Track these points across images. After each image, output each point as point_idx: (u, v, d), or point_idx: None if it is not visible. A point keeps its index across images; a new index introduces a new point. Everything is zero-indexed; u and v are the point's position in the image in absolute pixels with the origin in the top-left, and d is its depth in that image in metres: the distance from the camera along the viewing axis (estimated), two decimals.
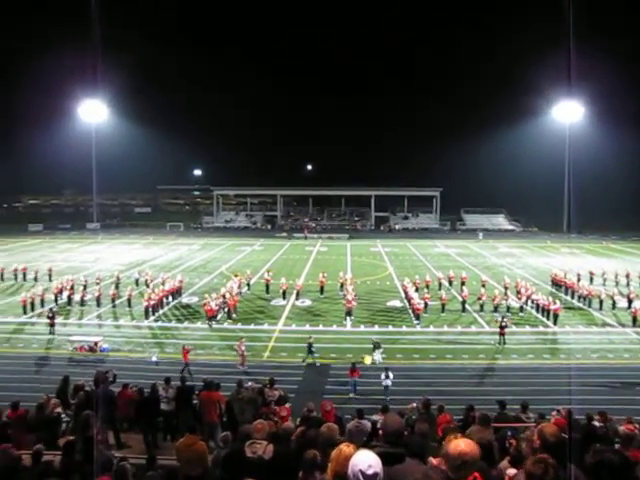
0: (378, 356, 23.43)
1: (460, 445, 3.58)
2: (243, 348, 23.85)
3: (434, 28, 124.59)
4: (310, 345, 24.03)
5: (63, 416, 12.79)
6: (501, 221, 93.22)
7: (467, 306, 33.48)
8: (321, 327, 29.99)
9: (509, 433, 8.85)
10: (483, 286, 37.11)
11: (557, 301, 31.57)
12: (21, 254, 59.04)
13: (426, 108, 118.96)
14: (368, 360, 23.23)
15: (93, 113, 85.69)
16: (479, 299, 33.56)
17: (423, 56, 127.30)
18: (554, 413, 12.81)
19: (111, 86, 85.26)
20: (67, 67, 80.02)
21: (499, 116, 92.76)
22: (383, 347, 24.39)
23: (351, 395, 20.76)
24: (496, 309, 32.71)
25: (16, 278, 42.90)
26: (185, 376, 21.45)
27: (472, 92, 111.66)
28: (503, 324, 26.80)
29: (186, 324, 30.62)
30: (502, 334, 26.71)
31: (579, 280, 39.14)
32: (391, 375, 22.04)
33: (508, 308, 32.72)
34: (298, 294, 36.59)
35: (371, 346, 24.03)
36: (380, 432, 5.67)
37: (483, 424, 8.43)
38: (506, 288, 36.75)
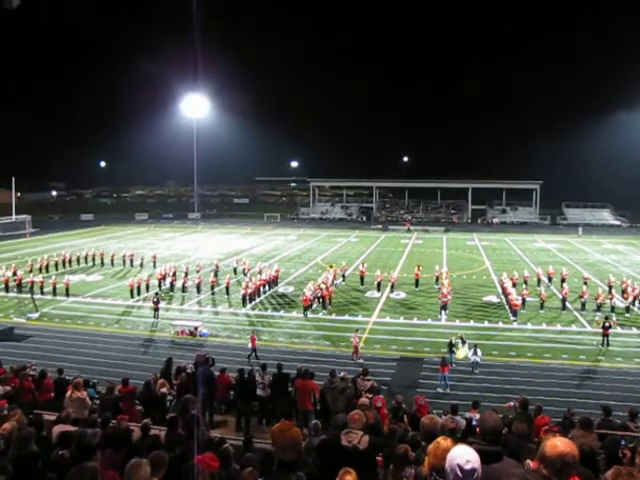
0: (476, 355, 22.69)
1: (558, 446, 3.40)
2: (357, 340, 23.94)
3: (540, 20, 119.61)
4: (453, 342, 23.29)
5: (168, 397, 13.51)
6: (606, 216, 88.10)
7: (567, 304, 32.03)
8: (415, 320, 29.72)
9: (622, 442, 8.30)
10: (585, 284, 35.30)
11: None
12: (129, 241, 62.46)
13: (526, 98, 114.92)
14: (461, 354, 22.79)
15: (195, 108, 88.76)
16: (580, 297, 31.94)
17: (524, 47, 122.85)
18: None
19: (212, 81, 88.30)
20: (171, 64, 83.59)
21: (604, 106, 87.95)
22: (479, 343, 23.87)
23: (441, 390, 20.52)
24: (599, 308, 31.07)
25: (124, 264, 45.50)
26: (251, 361, 22.29)
27: (575, 81, 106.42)
28: (607, 324, 25.42)
29: (282, 313, 31.27)
30: (605, 335, 25.31)
31: None
32: (479, 352, 21.88)
33: (612, 308, 30.95)
34: (393, 286, 36.43)
35: (459, 341, 23.45)
36: (477, 429, 5.58)
37: (586, 428, 7.91)
38: (610, 287, 34.84)
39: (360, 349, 24.69)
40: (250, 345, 23.92)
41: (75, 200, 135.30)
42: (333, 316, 30.56)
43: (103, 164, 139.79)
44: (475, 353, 22.19)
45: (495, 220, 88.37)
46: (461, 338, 23.50)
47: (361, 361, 22.83)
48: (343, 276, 39.85)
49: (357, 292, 36.50)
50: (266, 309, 32.26)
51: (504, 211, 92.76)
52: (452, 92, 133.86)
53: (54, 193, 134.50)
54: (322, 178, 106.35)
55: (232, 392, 15.44)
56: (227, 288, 35.05)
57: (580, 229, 73.75)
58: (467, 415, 12.46)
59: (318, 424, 9.05)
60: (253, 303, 32.97)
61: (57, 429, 7.41)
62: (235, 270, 41.84)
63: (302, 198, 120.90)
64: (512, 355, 24.20)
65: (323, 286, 32.68)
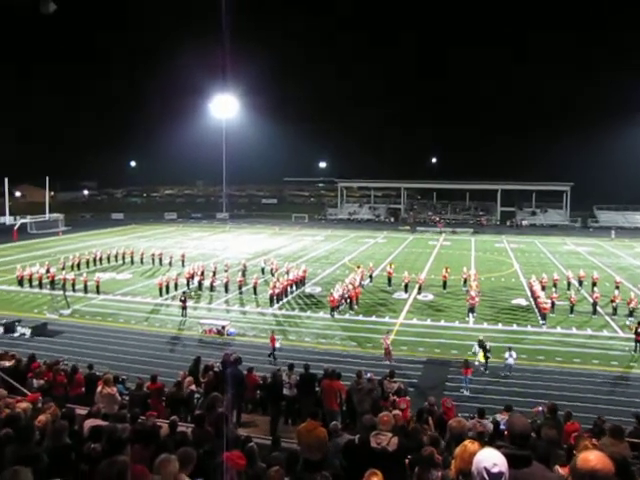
0: (511, 357, 22.06)
1: (591, 460, 3.16)
2: (388, 342, 23.62)
3: (574, 18, 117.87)
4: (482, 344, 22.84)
5: (196, 395, 13.68)
6: (639, 219, 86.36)
7: (598, 308, 31.47)
8: (443, 322, 29.54)
9: None
10: (617, 288, 34.64)
11: None
12: (158, 240, 63.25)
13: (557, 98, 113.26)
14: (481, 357, 22.49)
15: (224, 108, 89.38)
16: (612, 301, 31.30)
17: (555, 48, 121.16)
18: None
19: (242, 81, 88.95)
20: (200, 65, 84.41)
21: (637, 105, 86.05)
22: (509, 347, 23.58)
23: (464, 392, 20.35)
24: (631, 313, 30.36)
25: (153, 262, 46.07)
26: (270, 360, 22.39)
27: (607, 80, 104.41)
28: (639, 330, 24.93)
29: (309, 313, 31.34)
30: (638, 341, 24.77)
31: None
32: (514, 354, 21.61)
33: None
34: (420, 288, 36.24)
35: (478, 345, 22.97)
36: (505, 432, 5.54)
37: (617, 437, 7.68)
38: None
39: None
40: (270, 345, 24.05)
41: (106, 199, 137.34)
42: (360, 317, 30.52)
43: (133, 164, 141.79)
44: (510, 355, 21.88)
45: (524, 222, 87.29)
46: (480, 342, 22.97)
47: (394, 363, 22.70)
48: (370, 277, 39.78)
49: (384, 293, 36.40)
50: (293, 309, 32.36)
51: (534, 213, 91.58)
52: (481, 93, 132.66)
53: (86, 192, 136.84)
54: (350, 179, 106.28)
55: (259, 392, 15.55)
56: (255, 288, 35.23)
57: (613, 232, 72.31)
58: (497, 417, 12.33)
59: (337, 426, 9.04)
60: (280, 303, 33.09)
61: (88, 423, 7.55)
62: (263, 270, 42.04)
63: (330, 199, 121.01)
64: (540, 359, 23.87)
65: (350, 287, 32.66)
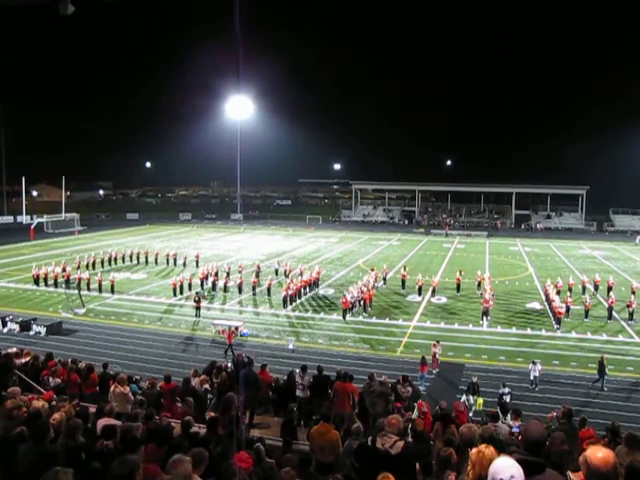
0: (535, 370, 21.01)
1: (596, 456, 3.31)
2: (436, 350, 22.93)
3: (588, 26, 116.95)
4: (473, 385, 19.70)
5: (209, 395, 13.73)
6: None
7: (614, 313, 31.17)
8: (456, 325, 29.39)
9: None
10: (633, 293, 34.15)
11: None
12: (172, 241, 63.59)
13: (573, 102, 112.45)
14: (481, 403, 19.45)
15: (239, 109, 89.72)
16: (628, 307, 30.97)
17: (570, 53, 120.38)
18: None
19: (257, 83, 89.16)
20: (216, 66, 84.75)
21: None
22: (521, 352, 23.22)
23: (421, 388, 19.71)
24: None
25: (168, 263, 46.27)
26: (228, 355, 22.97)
27: (623, 84, 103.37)
28: None
29: (322, 315, 31.32)
30: None
31: None
32: (539, 366, 20.96)
33: None
34: (434, 291, 36.13)
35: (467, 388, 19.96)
36: (519, 437, 5.50)
37: (632, 446, 7.48)
38: None
39: (400, 353, 24.62)
40: (227, 341, 24.88)
41: (121, 199, 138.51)
42: (373, 319, 30.46)
43: (149, 164, 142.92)
44: (534, 369, 20.95)
45: (539, 226, 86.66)
46: (474, 385, 19.67)
47: (436, 371, 22.60)
48: (384, 279, 39.70)
49: (398, 296, 36.30)
50: (306, 311, 32.36)
51: (549, 217, 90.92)
52: (497, 96, 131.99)
53: (101, 192, 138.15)
54: (365, 181, 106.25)
55: (271, 393, 15.56)
56: (268, 289, 35.29)
57: (638, 237, 71.31)
58: (510, 423, 12.28)
59: (360, 427, 8.99)
60: (294, 304, 33.10)
61: (101, 422, 7.61)
62: (277, 271, 42.10)
63: (344, 200, 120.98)
64: (555, 364, 23.65)
65: (364, 289, 32.61)
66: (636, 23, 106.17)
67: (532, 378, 21.03)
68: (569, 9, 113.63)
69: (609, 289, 34.94)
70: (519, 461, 3.41)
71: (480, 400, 18.97)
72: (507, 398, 18.52)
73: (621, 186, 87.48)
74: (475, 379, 19.52)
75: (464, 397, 18.97)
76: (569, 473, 4.20)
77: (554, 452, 6.95)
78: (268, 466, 6.79)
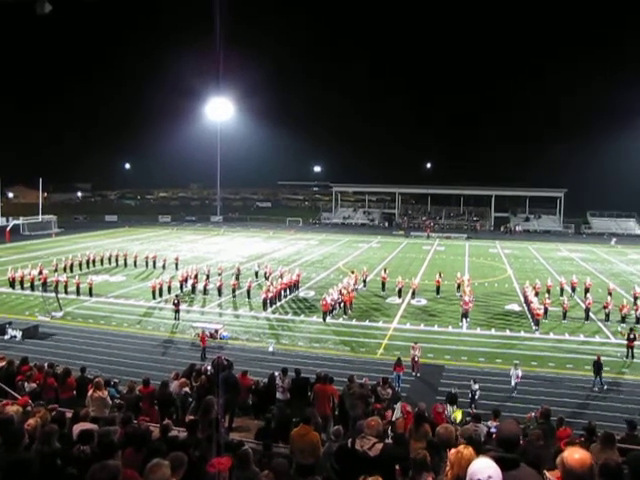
0: (517, 375, 20.96)
1: (573, 457, 3.34)
2: (416, 352, 22.86)
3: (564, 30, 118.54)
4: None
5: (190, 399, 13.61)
6: (632, 225, 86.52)
7: (591, 314, 31.57)
8: (436, 327, 29.55)
9: None
10: (610, 294, 34.64)
11: None
12: (152, 243, 63.10)
13: (551, 105, 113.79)
14: (459, 416, 20.10)
15: (219, 111, 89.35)
16: (605, 308, 31.41)
17: (548, 53, 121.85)
18: None
19: (237, 85, 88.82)
20: (196, 67, 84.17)
21: (630, 114, 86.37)
22: (500, 353, 23.40)
23: (398, 389, 19.70)
24: (623, 320, 30.47)
25: (147, 265, 45.89)
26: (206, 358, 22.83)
27: (601, 87, 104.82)
28: (632, 336, 24.90)
29: (302, 317, 31.28)
30: (630, 347, 24.81)
31: None
32: (520, 372, 20.91)
33: (638, 319, 30.42)
34: (414, 293, 36.26)
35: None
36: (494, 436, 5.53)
37: (607, 443, 7.63)
38: (636, 298, 34.25)
39: (380, 355, 24.66)
40: (201, 344, 24.64)
41: (100, 201, 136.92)
42: (353, 321, 30.50)
43: (128, 166, 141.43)
44: (516, 375, 20.72)
45: (518, 228, 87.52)
46: (452, 396, 17.70)
47: (418, 374, 22.66)
48: (364, 281, 39.76)
49: (378, 298, 36.38)
50: (287, 313, 32.29)
51: (527, 219, 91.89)
52: (476, 99, 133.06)
53: (80, 194, 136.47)
54: (345, 183, 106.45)
55: (251, 396, 15.49)
56: (248, 291, 35.18)
57: (614, 240, 72.33)
58: (488, 424, 12.35)
59: (340, 430, 8.95)
60: (274, 307, 33.03)
61: (78, 427, 7.49)
62: (257, 273, 41.96)
63: (324, 203, 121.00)
64: (534, 365, 23.88)
65: (344, 291, 32.64)
66: (611, 26, 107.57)
67: (513, 384, 20.89)
68: (548, 8, 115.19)
69: (586, 290, 35.40)
70: (494, 459, 3.43)
71: (458, 413, 18.43)
72: (477, 394, 18.89)
73: (598, 189, 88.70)
74: (454, 390, 19.24)
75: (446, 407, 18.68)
76: (545, 472, 4.22)
77: (531, 450, 7.02)
78: (253, 473, 6.71)
